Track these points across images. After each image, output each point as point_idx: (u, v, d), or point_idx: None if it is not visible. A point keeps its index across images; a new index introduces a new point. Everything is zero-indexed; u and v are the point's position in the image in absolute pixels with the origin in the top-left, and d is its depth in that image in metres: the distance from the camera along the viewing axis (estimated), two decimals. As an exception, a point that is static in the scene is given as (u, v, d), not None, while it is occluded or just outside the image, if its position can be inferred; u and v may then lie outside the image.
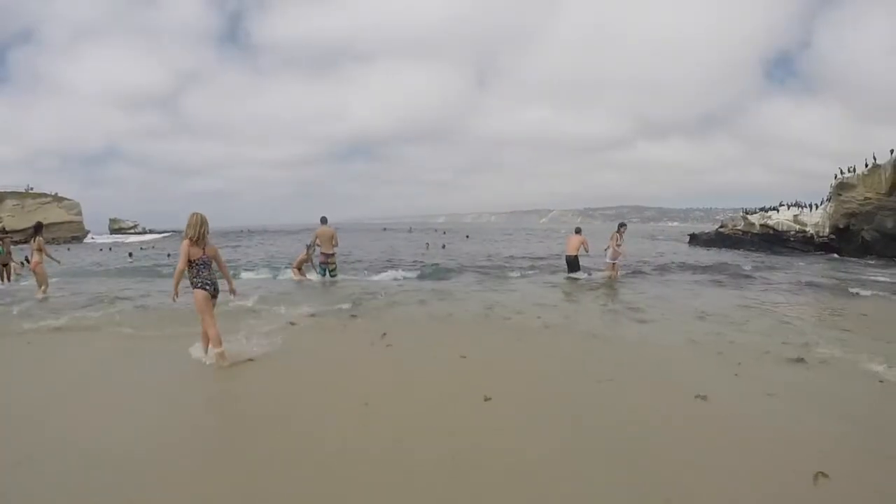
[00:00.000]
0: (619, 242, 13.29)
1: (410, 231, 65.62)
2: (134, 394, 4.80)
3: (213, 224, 5.76)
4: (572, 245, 13.73)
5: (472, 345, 6.43)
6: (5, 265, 12.88)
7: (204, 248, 5.49)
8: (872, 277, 15.12)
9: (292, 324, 7.74)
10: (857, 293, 11.67)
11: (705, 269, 17.63)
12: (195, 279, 5.46)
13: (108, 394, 4.77)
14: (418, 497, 2.89)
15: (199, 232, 5.43)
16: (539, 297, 10.87)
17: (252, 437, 3.74)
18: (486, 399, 4.31)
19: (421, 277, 14.90)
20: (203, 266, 5.49)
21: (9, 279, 12.81)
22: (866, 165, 23.99)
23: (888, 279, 14.75)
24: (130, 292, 11.46)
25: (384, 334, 6.92)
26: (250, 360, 5.66)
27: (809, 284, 13.48)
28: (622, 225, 13.71)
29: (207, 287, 5.46)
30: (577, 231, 14.00)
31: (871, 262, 20.93)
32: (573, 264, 13.78)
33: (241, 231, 72.77)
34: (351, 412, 4.12)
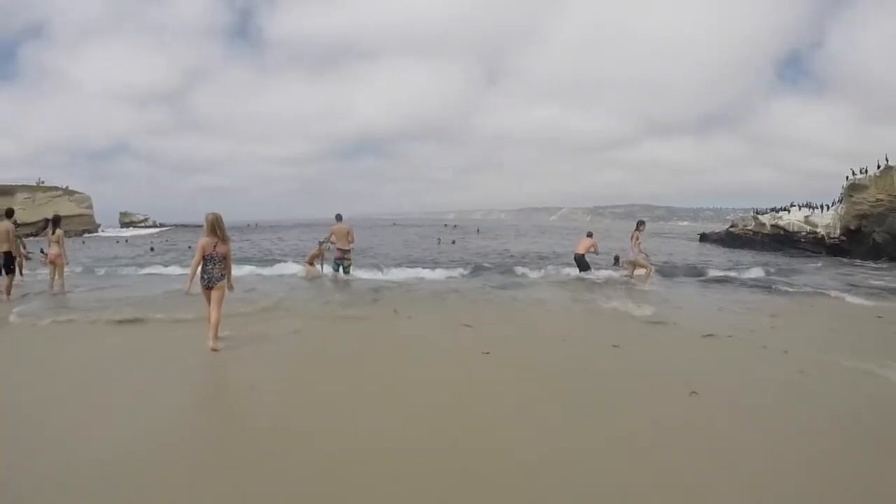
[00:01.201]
0: (639, 240, 13.12)
1: (421, 227, 66.43)
2: (145, 385, 4.88)
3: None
4: (582, 245, 14.28)
5: (476, 318, 8.19)
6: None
7: (215, 245, 6.06)
8: (862, 280, 14.98)
9: (324, 304, 9.36)
10: (824, 294, 11.97)
11: (704, 270, 17.18)
12: (201, 271, 6.11)
13: (116, 386, 4.83)
14: (452, 388, 4.77)
15: (212, 230, 6.06)
16: (541, 289, 12.16)
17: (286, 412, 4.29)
18: (485, 353, 5.96)
19: (434, 272, 15.07)
20: (209, 260, 6.08)
21: (21, 273, 12.83)
22: (878, 167, 23.67)
23: (880, 282, 14.64)
24: (152, 287, 11.72)
25: (395, 310, 8.80)
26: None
27: (785, 283, 13.68)
28: (641, 223, 13.63)
29: (202, 280, 6.11)
30: (589, 235, 14.68)
31: (881, 265, 20.54)
32: (581, 263, 14.13)
33: (248, 225, 73.15)
34: (390, 359, 5.84)
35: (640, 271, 13.49)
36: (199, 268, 6.07)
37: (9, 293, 9.94)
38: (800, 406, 4.39)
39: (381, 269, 14.94)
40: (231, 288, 6.43)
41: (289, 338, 6.90)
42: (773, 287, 13.05)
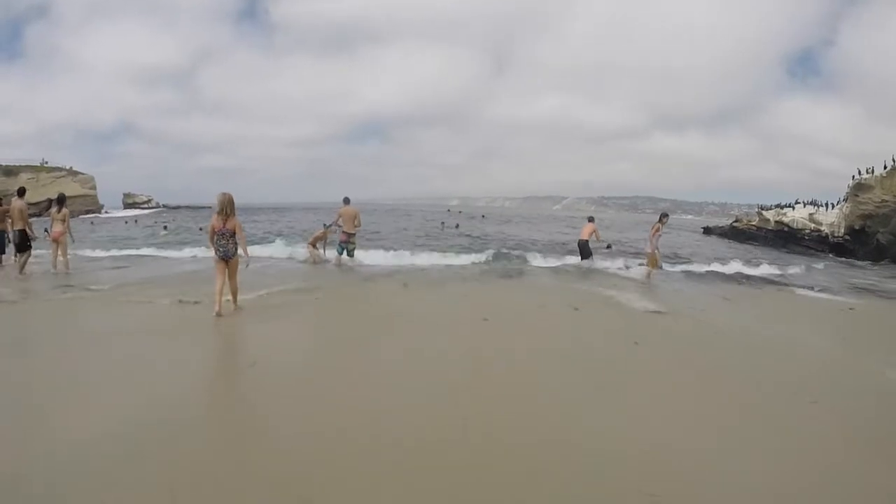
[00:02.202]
0: (659, 232, 12.50)
1: (425, 212, 66.32)
2: (150, 359, 4.93)
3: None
4: (585, 231, 14.09)
5: (477, 295, 9.49)
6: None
7: (225, 222, 6.83)
8: (844, 279, 15.11)
9: (330, 283, 10.02)
10: (793, 287, 12.48)
11: (692, 261, 17.40)
12: (215, 245, 6.93)
13: (119, 362, 4.88)
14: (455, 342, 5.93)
15: (221, 209, 6.83)
16: (536, 270, 13.37)
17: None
18: (485, 319, 6.96)
19: (438, 255, 15.34)
20: (221, 236, 6.88)
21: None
22: (885, 167, 23.59)
23: (863, 281, 14.79)
24: (159, 267, 11.92)
25: (405, 284, 10.01)
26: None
27: (761, 277, 14.10)
28: (664, 215, 12.96)
29: (218, 252, 6.92)
30: (591, 219, 14.43)
31: (877, 266, 20.22)
32: (584, 249, 14.00)
33: (249, 208, 73.07)
34: (396, 333, 6.38)
35: (643, 263, 13.15)
36: (215, 242, 6.91)
37: (21, 270, 10.23)
38: (706, 353, 5.97)
39: (386, 251, 15.05)
40: (245, 256, 7.19)
41: (294, 315, 7.29)
42: (747, 280, 13.44)
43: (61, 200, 11.05)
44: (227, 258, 6.91)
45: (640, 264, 13.28)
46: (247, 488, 2.76)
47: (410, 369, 4.93)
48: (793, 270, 16.33)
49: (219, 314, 6.66)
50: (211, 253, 7.19)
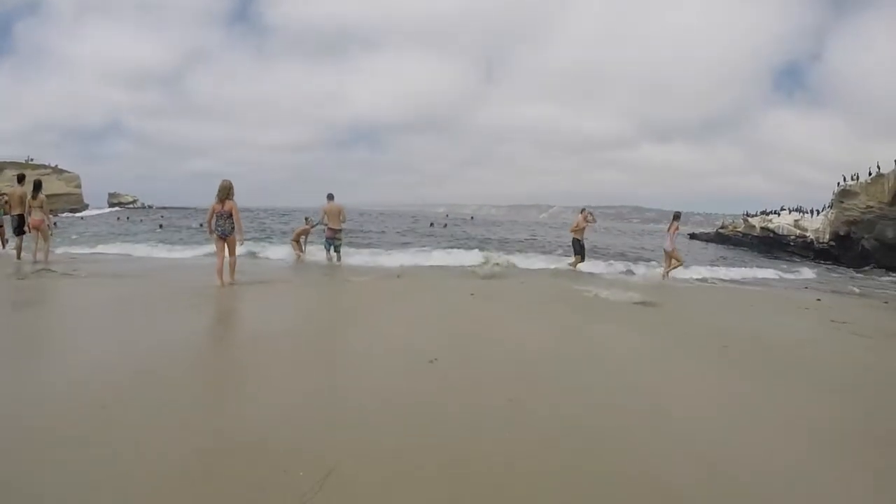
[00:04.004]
0: (678, 231, 12.30)
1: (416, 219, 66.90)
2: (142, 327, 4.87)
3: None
4: (574, 226, 13.69)
5: (462, 280, 10.37)
6: (0, 226, 12.57)
7: (223, 206, 7.88)
8: (813, 283, 15.32)
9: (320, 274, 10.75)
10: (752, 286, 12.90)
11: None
12: (216, 225, 7.96)
13: (110, 329, 4.80)
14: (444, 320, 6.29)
15: (220, 193, 7.88)
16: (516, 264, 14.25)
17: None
18: (471, 294, 8.02)
19: (427, 253, 15.74)
20: (219, 217, 7.96)
21: (3, 245, 12.47)
22: (870, 174, 23.89)
23: (834, 280, 15.01)
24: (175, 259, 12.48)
25: (399, 276, 10.51)
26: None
27: (739, 279, 14.66)
28: (678, 214, 12.75)
29: (216, 232, 7.99)
30: (582, 211, 13.80)
31: (859, 273, 20.28)
32: (575, 246, 13.63)
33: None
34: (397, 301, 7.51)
35: (674, 263, 12.76)
36: (214, 222, 7.94)
37: (19, 254, 10.61)
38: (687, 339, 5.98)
39: (375, 250, 15.08)
40: (240, 241, 8.20)
41: (289, 294, 8.01)
42: (727, 281, 13.94)
43: (37, 186, 10.44)
44: (225, 236, 7.97)
45: (670, 270, 12.61)
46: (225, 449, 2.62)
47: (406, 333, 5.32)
48: (773, 273, 16.58)
49: (220, 286, 7.61)
50: (210, 237, 8.22)
